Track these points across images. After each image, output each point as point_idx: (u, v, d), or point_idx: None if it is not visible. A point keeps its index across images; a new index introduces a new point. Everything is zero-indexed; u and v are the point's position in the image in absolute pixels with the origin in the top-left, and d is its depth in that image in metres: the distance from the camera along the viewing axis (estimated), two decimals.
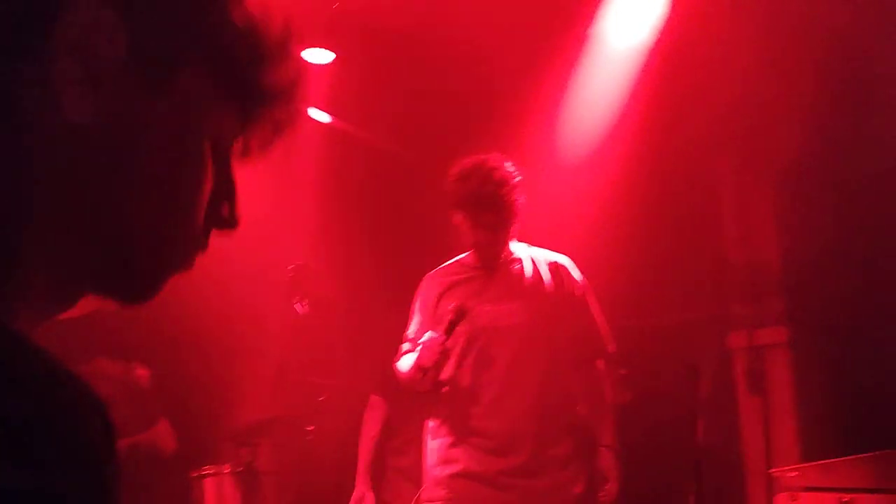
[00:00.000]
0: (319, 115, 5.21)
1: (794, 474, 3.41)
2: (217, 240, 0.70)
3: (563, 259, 2.99)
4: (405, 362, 2.83)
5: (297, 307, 4.49)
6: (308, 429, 4.59)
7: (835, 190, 4.23)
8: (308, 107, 5.14)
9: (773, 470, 3.65)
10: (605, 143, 4.28)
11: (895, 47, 3.66)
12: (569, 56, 4.33)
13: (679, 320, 4.71)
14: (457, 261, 2.98)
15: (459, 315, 2.68)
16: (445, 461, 2.78)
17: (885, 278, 4.16)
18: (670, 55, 4.15)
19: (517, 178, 2.83)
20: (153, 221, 0.64)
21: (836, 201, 4.24)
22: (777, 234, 4.46)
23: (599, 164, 4.35)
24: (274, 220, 4.86)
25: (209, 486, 3.43)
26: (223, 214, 0.71)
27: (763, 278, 4.48)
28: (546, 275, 2.90)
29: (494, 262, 2.88)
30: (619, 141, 4.30)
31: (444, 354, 2.68)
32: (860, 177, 4.16)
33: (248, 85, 0.68)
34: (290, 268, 4.56)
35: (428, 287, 2.93)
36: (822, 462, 3.35)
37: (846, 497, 3.16)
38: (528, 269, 2.89)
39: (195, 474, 3.47)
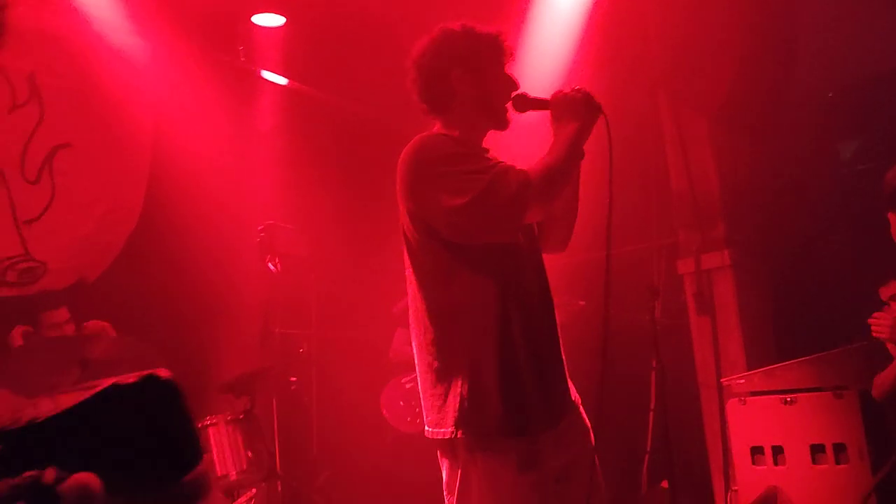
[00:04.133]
0: (276, 78, 5.30)
1: (741, 381, 3.78)
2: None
3: None
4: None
5: (270, 266, 4.66)
6: (292, 379, 4.83)
7: (765, 121, 4.53)
8: (263, 70, 5.24)
9: (724, 379, 4.01)
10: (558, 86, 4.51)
11: None
12: (521, 5, 4.52)
13: (633, 250, 4.97)
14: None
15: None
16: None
17: (811, 200, 4.52)
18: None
19: None
20: None
21: (766, 132, 4.55)
22: (715, 165, 4.74)
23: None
24: (241, 184, 5.00)
25: (214, 434, 3.60)
26: None
27: (705, 207, 4.77)
28: None
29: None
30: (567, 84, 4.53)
31: None
32: (787, 109, 4.49)
33: None
34: (259, 229, 4.71)
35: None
36: (765, 369, 3.73)
37: (788, 397, 3.55)
38: None
39: (199, 425, 3.62)
